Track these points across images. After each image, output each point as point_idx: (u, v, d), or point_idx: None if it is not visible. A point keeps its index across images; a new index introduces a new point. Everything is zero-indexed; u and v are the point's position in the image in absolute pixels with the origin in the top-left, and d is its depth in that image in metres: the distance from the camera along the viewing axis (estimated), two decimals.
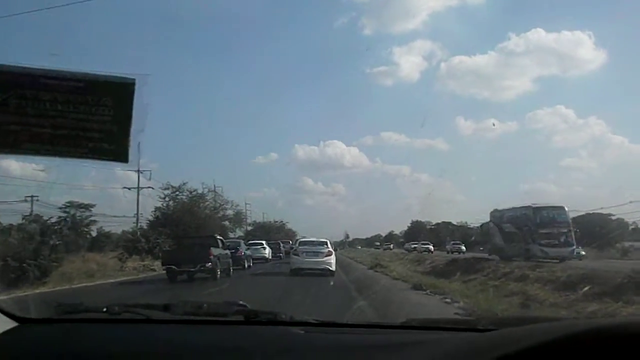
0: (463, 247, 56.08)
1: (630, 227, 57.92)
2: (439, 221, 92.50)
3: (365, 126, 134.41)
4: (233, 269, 23.09)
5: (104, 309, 2.17)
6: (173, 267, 19.60)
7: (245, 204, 63.15)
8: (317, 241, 23.89)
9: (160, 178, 45.80)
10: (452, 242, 63.18)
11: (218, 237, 23.89)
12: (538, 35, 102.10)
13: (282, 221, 76.03)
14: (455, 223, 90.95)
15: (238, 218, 51.86)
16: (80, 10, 75.51)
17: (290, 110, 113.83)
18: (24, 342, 1.97)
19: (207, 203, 43.41)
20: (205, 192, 43.01)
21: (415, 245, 64.40)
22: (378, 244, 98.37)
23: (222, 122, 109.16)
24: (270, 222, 73.48)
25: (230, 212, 48.71)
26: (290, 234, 69.88)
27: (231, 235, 45.54)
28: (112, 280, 21.27)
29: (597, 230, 42.22)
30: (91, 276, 21.75)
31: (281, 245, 44.89)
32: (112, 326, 2.15)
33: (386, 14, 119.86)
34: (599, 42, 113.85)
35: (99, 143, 1.65)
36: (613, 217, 51.19)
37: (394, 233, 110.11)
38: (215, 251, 20.36)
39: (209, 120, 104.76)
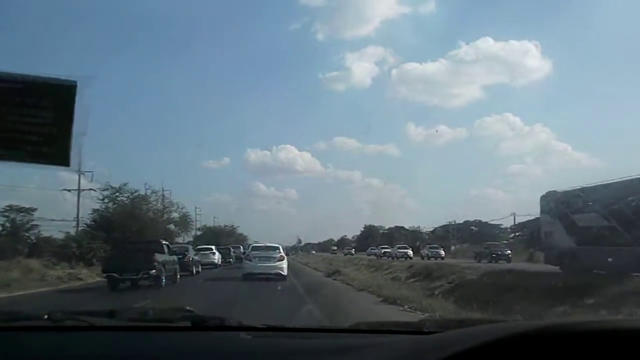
0: (442, 252, 50.10)
1: None
2: (392, 226, 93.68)
3: (318, 131, 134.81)
4: (180, 276, 22.57)
5: (45, 316, 2.10)
6: (114, 274, 18.73)
7: (195, 207, 61.99)
8: (269, 246, 24.07)
9: (108, 181, 43.94)
10: (429, 245, 54.60)
11: (164, 242, 23.20)
12: (487, 44, 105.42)
13: (232, 226, 74.78)
14: (407, 227, 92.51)
15: (184, 221, 49.77)
16: (19, 11, 72.47)
17: (242, 114, 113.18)
18: None
19: (150, 205, 41.52)
20: (148, 194, 41.12)
21: (388, 250, 56.68)
22: (335, 248, 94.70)
23: (173, 127, 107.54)
24: (220, 226, 72.21)
25: (175, 215, 46.85)
26: (242, 239, 68.82)
27: (179, 240, 44.36)
28: (22, 293, 17.95)
29: None
30: (7, 286, 18.94)
31: (231, 250, 44.17)
32: (54, 334, 2.07)
33: (339, 19, 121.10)
34: (545, 51, 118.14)
35: (39, 147, 1.60)
36: None
37: (347, 237, 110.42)
38: (160, 257, 19.68)
39: (160, 125, 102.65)
